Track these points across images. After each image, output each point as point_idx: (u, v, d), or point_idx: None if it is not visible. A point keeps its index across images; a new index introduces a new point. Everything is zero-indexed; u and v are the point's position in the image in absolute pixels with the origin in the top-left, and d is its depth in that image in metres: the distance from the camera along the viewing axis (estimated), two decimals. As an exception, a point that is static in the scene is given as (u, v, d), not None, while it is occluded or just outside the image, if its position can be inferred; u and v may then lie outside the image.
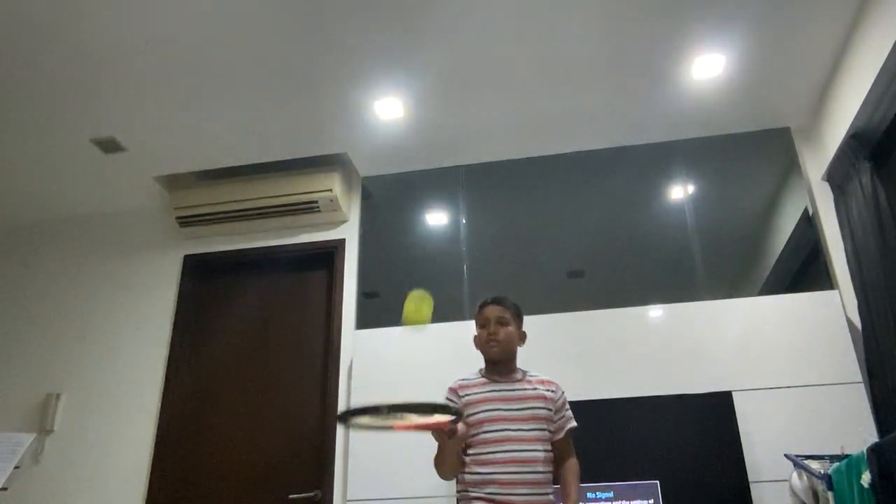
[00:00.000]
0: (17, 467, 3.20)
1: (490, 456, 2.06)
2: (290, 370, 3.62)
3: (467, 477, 2.07)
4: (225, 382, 3.67)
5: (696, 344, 3.11)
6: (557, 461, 2.14)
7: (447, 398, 2.18)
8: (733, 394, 2.91)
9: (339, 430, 3.35)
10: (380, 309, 3.62)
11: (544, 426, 2.12)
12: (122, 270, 3.97)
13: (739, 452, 2.79)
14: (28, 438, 3.32)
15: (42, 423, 3.60)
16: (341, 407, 3.39)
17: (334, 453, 3.29)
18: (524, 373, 2.23)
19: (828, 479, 2.45)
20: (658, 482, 2.78)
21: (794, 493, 2.68)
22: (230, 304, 3.87)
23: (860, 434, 2.70)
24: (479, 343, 2.25)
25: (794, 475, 2.69)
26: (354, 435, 3.23)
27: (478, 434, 2.09)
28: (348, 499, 3.11)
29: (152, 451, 3.46)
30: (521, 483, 2.02)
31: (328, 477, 3.26)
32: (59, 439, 3.58)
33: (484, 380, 2.19)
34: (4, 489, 3.13)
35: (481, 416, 2.10)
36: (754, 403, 2.92)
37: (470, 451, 2.09)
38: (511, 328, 2.22)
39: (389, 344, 3.37)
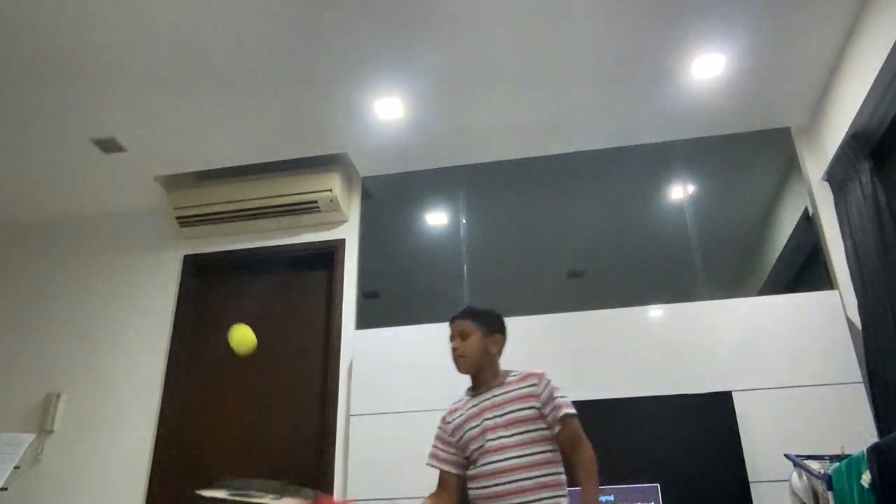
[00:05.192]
0: (17, 467, 3.20)
1: (477, 470, 2.02)
2: (290, 370, 3.62)
3: (468, 494, 2.06)
4: (225, 382, 3.67)
5: (696, 344, 3.11)
6: (568, 457, 2.02)
7: (438, 427, 2.15)
8: (733, 394, 2.91)
9: (340, 429, 3.35)
10: (380, 309, 3.62)
11: (530, 427, 2.01)
12: (122, 270, 3.97)
13: (739, 452, 2.79)
14: (28, 438, 3.31)
15: (42, 423, 3.60)
16: (342, 407, 3.39)
17: (334, 453, 3.29)
18: (506, 374, 2.13)
19: (828, 479, 2.45)
20: (658, 485, 2.77)
21: (794, 493, 2.68)
22: (230, 304, 3.87)
23: (860, 434, 2.70)
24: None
25: (794, 475, 2.69)
26: (354, 435, 3.23)
27: (470, 453, 2.05)
28: (348, 499, 3.11)
29: (152, 451, 3.46)
30: (502, 495, 1.94)
31: (328, 477, 3.25)
32: (59, 439, 3.58)
33: (467, 398, 2.15)
34: (4, 489, 3.13)
35: (465, 436, 2.06)
36: (754, 403, 2.92)
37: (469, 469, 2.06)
38: (475, 338, 2.13)
39: (389, 344, 3.38)
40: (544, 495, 1.93)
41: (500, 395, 2.07)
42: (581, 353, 3.19)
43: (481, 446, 2.01)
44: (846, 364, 2.93)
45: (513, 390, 2.06)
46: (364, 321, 3.55)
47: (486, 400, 2.08)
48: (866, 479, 2.19)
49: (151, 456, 3.45)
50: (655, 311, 3.26)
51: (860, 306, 2.96)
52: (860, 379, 2.90)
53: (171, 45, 2.92)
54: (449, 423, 2.13)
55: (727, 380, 2.99)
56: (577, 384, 3.07)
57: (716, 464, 2.79)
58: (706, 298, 3.26)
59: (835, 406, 2.87)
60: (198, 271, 3.92)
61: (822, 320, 3.04)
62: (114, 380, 3.68)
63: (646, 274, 3.42)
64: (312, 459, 3.37)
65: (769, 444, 2.83)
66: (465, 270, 3.61)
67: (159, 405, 3.57)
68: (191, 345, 3.76)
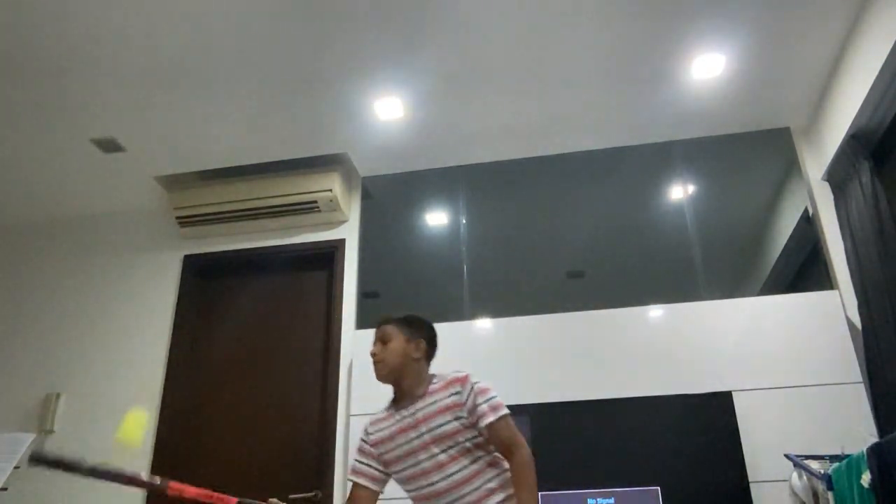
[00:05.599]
0: (17, 467, 3.19)
1: (414, 493, 1.92)
2: (290, 370, 3.62)
3: None
4: (225, 382, 3.67)
5: (696, 344, 3.11)
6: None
7: (361, 439, 2.03)
8: (733, 394, 2.91)
9: (339, 430, 3.35)
10: (380, 309, 3.62)
11: (460, 439, 1.88)
12: (122, 270, 3.97)
13: (739, 452, 2.79)
14: (28, 438, 3.31)
15: (42, 423, 3.60)
16: (342, 407, 3.39)
17: (334, 453, 3.29)
18: (429, 382, 1.99)
19: (828, 479, 2.46)
20: (659, 488, 2.77)
21: (794, 493, 2.68)
22: (230, 304, 3.87)
23: (860, 434, 2.70)
24: None
25: (794, 475, 2.69)
26: (354, 435, 3.23)
27: (398, 473, 1.94)
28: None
29: (152, 451, 3.46)
30: None
31: (328, 477, 3.26)
32: (59, 439, 3.58)
33: (390, 411, 2.02)
34: (4, 489, 3.13)
35: (392, 454, 1.94)
36: (754, 403, 2.92)
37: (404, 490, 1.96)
38: (395, 343, 2.01)
39: (389, 344, 3.37)
40: (495, 500, 1.85)
41: (423, 408, 1.93)
42: (581, 353, 3.19)
43: (417, 465, 1.90)
44: (846, 364, 2.93)
45: (437, 402, 1.92)
46: (364, 321, 3.55)
47: (409, 416, 1.94)
48: (866, 479, 2.19)
49: (151, 456, 3.45)
50: (655, 311, 3.26)
51: (860, 306, 2.96)
52: (860, 379, 2.90)
53: (171, 45, 2.92)
54: (371, 434, 2.01)
55: (727, 380, 2.99)
56: (577, 384, 3.09)
57: (716, 464, 2.80)
58: (706, 298, 3.27)
59: (835, 406, 2.87)
60: (198, 271, 3.92)
61: (822, 320, 3.04)
62: (114, 380, 3.68)
63: (646, 274, 3.42)
64: (312, 459, 3.37)
65: (769, 444, 2.83)
66: (465, 270, 3.61)
67: (159, 405, 3.57)
68: (191, 345, 3.76)
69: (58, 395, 3.66)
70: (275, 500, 1.89)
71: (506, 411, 1.89)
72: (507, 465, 1.90)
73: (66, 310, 3.92)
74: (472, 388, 1.91)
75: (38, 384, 3.73)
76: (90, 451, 3.53)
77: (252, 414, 3.56)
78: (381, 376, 2.02)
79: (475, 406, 1.88)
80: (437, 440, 1.88)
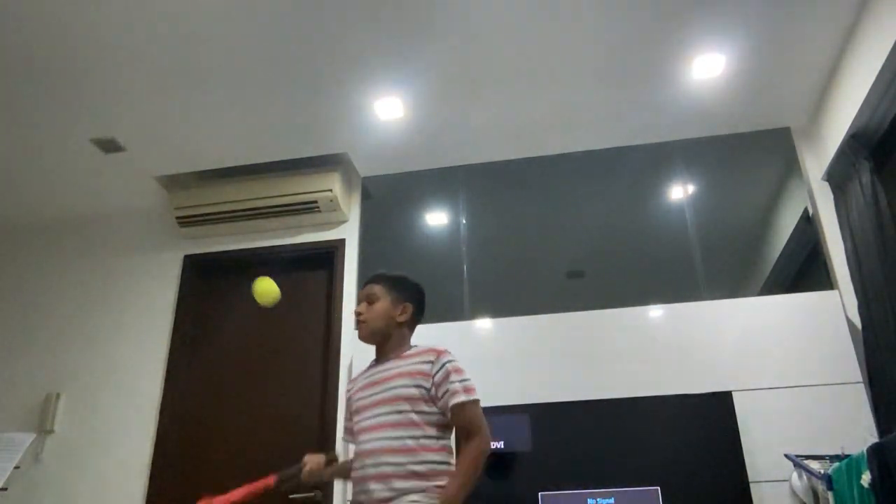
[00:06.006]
0: (17, 467, 3.20)
1: (358, 448, 1.91)
2: (290, 370, 3.62)
3: None
4: (225, 382, 3.67)
5: (696, 344, 3.11)
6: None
7: (346, 397, 2.10)
8: (733, 394, 2.91)
9: (339, 430, 3.35)
10: (380, 309, 3.61)
11: (408, 408, 1.82)
12: (122, 270, 3.97)
13: (739, 452, 2.79)
14: (28, 438, 3.32)
15: (42, 423, 3.60)
16: (341, 406, 3.39)
17: (334, 453, 3.28)
18: (409, 347, 2.00)
19: (828, 479, 2.46)
20: (659, 488, 2.77)
21: (794, 493, 2.69)
22: (230, 304, 3.87)
23: (860, 434, 2.70)
24: None
25: (794, 475, 2.69)
26: (354, 435, 3.23)
27: (355, 425, 1.96)
28: (348, 499, 3.10)
29: (152, 451, 3.46)
30: (366, 478, 1.80)
31: (328, 477, 3.25)
32: (59, 439, 3.59)
33: (368, 365, 2.04)
34: (4, 489, 3.14)
35: (354, 406, 1.97)
36: (754, 403, 2.92)
37: None
38: (381, 304, 2.00)
39: (389, 344, 3.37)
40: (408, 485, 1.75)
41: (393, 368, 1.92)
42: (581, 353, 3.19)
43: (363, 420, 1.90)
44: (846, 364, 2.93)
45: (406, 365, 1.90)
46: (364, 321, 3.55)
47: (378, 373, 1.95)
48: (866, 479, 2.19)
49: (151, 456, 3.45)
50: (655, 311, 3.26)
51: (860, 306, 2.96)
52: (860, 379, 2.90)
53: (171, 45, 2.92)
54: (349, 391, 2.06)
55: (727, 380, 2.99)
56: (577, 384, 3.09)
57: (716, 464, 2.79)
58: (706, 298, 3.26)
59: (835, 406, 2.87)
60: (198, 271, 3.92)
61: (822, 320, 3.04)
62: (114, 380, 3.68)
63: (646, 274, 3.42)
64: (312, 459, 3.36)
65: (769, 444, 2.83)
66: (465, 270, 3.61)
67: (159, 405, 3.57)
68: (191, 345, 3.76)
69: (58, 395, 3.66)
70: (307, 456, 1.98)
71: (478, 397, 1.86)
72: (445, 457, 1.83)
73: (66, 310, 3.92)
74: (445, 363, 1.87)
75: (38, 384, 3.73)
76: (90, 451, 3.56)
77: (252, 413, 3.56)
78: (363, 336, 2.02)
79: (446, 380, 1.84)
80: (388, 401, 1.86)
